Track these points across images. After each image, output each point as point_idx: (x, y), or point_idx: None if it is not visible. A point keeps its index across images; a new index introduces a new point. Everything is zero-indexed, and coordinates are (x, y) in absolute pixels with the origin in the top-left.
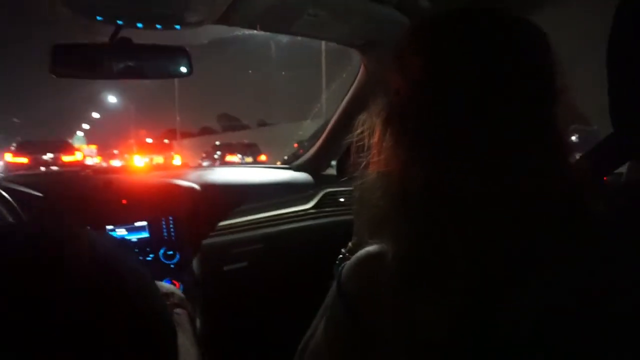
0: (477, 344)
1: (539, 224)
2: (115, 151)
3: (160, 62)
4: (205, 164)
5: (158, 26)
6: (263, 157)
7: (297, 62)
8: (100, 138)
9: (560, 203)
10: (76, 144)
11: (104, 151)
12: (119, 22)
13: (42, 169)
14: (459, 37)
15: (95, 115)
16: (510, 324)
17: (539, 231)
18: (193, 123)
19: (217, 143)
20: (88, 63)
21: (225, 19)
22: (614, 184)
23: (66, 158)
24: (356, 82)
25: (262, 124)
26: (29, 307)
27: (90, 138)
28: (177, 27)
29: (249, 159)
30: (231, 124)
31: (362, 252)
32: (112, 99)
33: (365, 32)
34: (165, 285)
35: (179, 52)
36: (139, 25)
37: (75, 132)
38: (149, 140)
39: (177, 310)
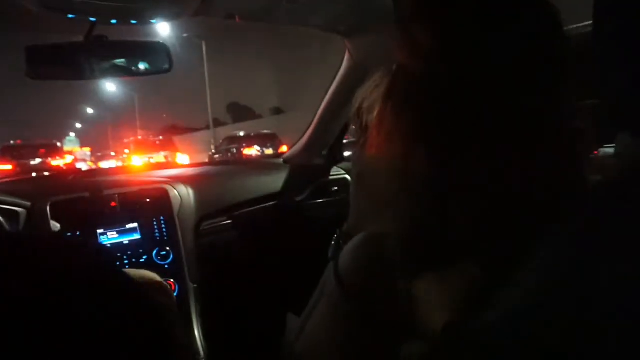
0: (477, 328)
1: (544, 204)
2: (112, 153)
3: (139, 59)
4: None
5: (133, 22)
6: (284, 148)
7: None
8: (95, 139)
9: (566, 183)
10: (68, 147)
11: (100, 152)
12: (92, 19)
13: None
14: (466, 7)
15: (90, 110)
16: (512, 307)
17: (544, 212)
18: (200, 116)
19: (235, 134)
20: (64, 63)
21: (202, 11)
22: (606, 157)
23: (55, 162)
24: (342, 69)
25: (277, 111)
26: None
27: (84, 139)
28: (153, 21)
29: (269, 151)
30: (242, 113)
31: (359, 236)
32: (108, 93)
33: (348, 17)
34: (141, 272)
35: (157, 47)
36: (113, 21)
37: (67, 133)
38: (140, 137)
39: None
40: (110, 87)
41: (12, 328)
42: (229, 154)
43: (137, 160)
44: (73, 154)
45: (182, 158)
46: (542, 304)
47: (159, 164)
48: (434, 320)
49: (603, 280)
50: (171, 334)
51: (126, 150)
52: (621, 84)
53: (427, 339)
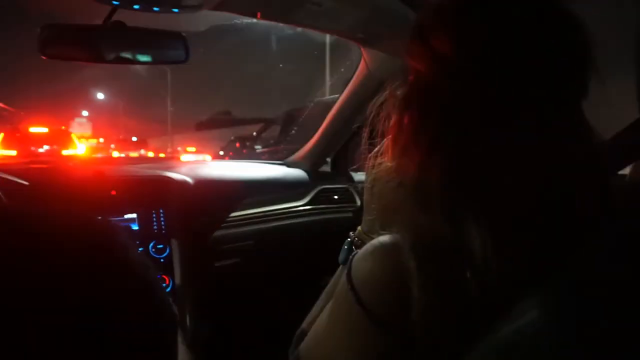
0: (489, 338)
1: (565, 220)
2: (112, 145)
3: (156, 48)
4: None
5: (155, 9)
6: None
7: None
8: (104, 128)
9: (587, 200)
10: (77, 132)
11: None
12: (115, 2)
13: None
14: (486, 15)
15: (100, 96)
16: (527, 321)
17: (564, 228)
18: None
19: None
20: (79, 45)
21: (224, 5)
22: (618, 184)
23: (66, 152)
24: (355, 76)
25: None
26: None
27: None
28: (175, 10)
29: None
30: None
31: (374, 242)
32: (97, 99)
33: (367, 25)
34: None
35: (175, 38)
36: (136, 7)
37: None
38: (134, 138)
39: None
40: (99, 95)
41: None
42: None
43: (117, 155)
44: (86, 140)
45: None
46: (559, 322)
47: (163, 158)
48: (445, 329)
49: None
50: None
51: (112, 145)
52: None
53: (436, 343)
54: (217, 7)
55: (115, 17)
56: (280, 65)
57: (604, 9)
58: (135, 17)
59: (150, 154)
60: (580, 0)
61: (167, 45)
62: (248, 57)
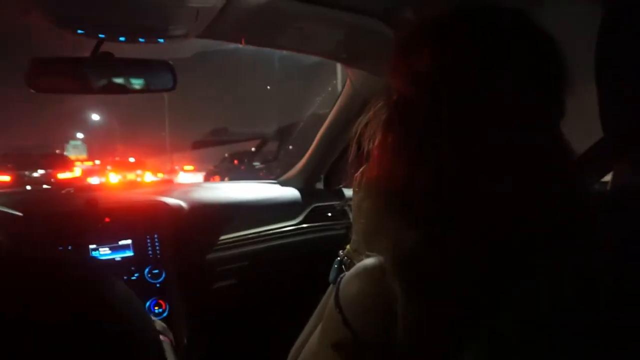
0: (480, 350)
1: (544, 226)
2: (109, 167)
3: (144, 77)
4: None
5: (141, 40)
6: None
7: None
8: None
9: (566, 206)
10: (72, 155)
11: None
12: (101, 35)
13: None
14: (464, 35)
15: (95, 117)
16: (514, 327)
17: (544, 233)
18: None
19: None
20: (68, 77)
21: (209, 33)
22: (601, 191)
23: (62, 175)
24: (342, 95)
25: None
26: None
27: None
28: (161, 40)
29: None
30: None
31: (360, 265)
32: (92, 121)
33: (351, 45)
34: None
35: (162, 66)
36: (122, 39)
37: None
38: (132, 159)
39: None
40: (94, 116)
41: None
42: None
43: (113, 177)
44: (81, 163)
45: (149, 176)
46: (544, 326)
47: (155, 182)
48: (433, 347)
49: (606, 310)
50: None
51: (108, 167)
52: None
53: None
54: (201, 35)
55: (103, 48)
56: (268, 86)
57: (575, 23)
58: (123, 48)
59: (149, 175)
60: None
61: (154, 74)
62: (243, 77)
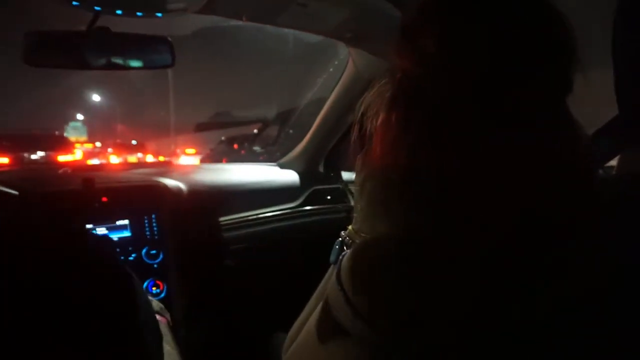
0: (481, 333)
1: (549, 211)
2: (110, 149)
3: (141, 53)
4: None
5: (139, 14)
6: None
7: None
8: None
9: (571, 191)
10: (72, 137)
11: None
12: (97, 8)
13: None
14: (470, 13)
15: (95, 98)
16: (515, 324)
17: (548, 219)
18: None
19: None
20: (63, 52)
21: (209, 8)
22: (606, 176)
23: (62, 157)
24: (343, 76)
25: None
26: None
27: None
28: (159, 14)
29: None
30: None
31: (361, 241)
32: (93, 102)
33: (355, 25)
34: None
35: (160, 42)
36: (118, 12)
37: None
38: (134, 142)
39: (157, 317)
40: (95, 97)
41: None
42: None
43: (115, 159)
44: (80, 145)
45: (151, 159)
46: (548, 313)
47: (155, 162)
48: (432, 326)
49: (616, 297)
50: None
51: (109, 150)
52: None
53: (425, 344)
54: (201, 11)
55: (99, 23)
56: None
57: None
58: (119, 24)
59: (150, 158)
60: None
61: (152, 50)
62: (245, 58)
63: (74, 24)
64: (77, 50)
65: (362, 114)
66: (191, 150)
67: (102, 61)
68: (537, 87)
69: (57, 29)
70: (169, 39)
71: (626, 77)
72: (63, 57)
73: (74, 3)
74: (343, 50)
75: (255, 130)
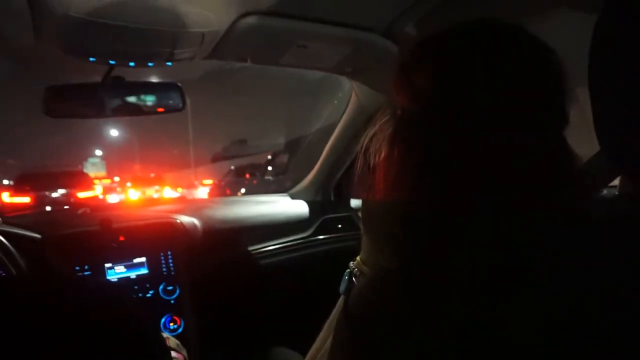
0: (482, 352)
1: (545, 238)
2: (129, 183)
3: (154, 99)
4: None
5: (150, 64)
6: None
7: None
8: (118, 166)
9: (566, 216)
10: (91, 172)
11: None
12: (112, 62)
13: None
14: (464, 51)
15: (114, 133)
16: (514, 331)
17: (544, 245)
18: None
19: None
20: (81, 103)
21: (215, 54)
22: (609, 196)
23: (82, 194)
24: (348, 108)
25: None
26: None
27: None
28: (169, 63)
29: None
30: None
31: (370, 273)
32: (111, 137)
33: (354, 60)
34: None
35: (171, 88)
36: (131, 64)
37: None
38: (152, 175)
39: (173, 354)
40: (113, 132)
41: None
42: None
43: (133, 193)
44: (99, 181)
45: (168, 191)
46: (543, 330)
47: (170, 199)
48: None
49: (602, 321)
50: None
51: (128, 184)
52: (620, 129)
53: None
54: (208, 57)
55: (114, 73)
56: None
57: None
58: (133, 70)
59: (168, 190)
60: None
61: (165, 95)
62: (253, 93)
63: (90, 75)
64: (94, 100)
65: (366, 149)
66: (208, 181)
67: (119, 109)
68: (531, 120)
69: (74, 82)
70: (179, 84)
71: (604, 114)
72: (81, 108)
73: (91, 59)
74: (347, 82)
75: (269, 157)
